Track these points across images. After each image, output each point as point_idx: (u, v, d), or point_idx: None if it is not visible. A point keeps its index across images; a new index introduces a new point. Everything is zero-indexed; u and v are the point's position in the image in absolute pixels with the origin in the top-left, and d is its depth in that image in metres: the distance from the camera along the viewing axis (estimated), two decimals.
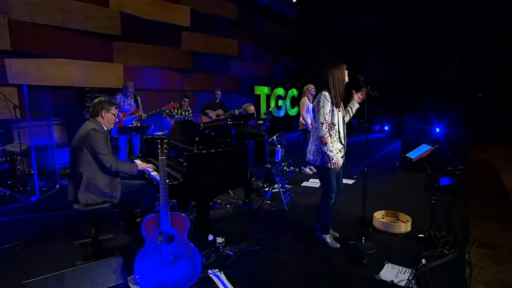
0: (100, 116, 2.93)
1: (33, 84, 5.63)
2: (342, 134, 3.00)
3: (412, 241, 3.27)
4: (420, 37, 10.93)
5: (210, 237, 3.13)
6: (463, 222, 4.29)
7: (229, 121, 3.21)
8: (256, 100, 10.16)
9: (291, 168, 5.61)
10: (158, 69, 7.86)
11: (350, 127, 11.02)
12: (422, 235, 3.32)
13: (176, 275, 2.18)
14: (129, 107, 5.22)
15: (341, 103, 3.04)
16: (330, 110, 2.91)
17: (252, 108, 5.21)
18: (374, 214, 3.66)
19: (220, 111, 6.66)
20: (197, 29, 8.62)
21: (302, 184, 5.19)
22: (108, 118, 2.96)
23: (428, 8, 10.43)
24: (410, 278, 2.59)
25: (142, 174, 3.34)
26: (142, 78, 7.53)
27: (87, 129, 2.81)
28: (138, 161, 3.47)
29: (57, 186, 4.92)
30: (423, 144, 3.18)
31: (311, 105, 5.70)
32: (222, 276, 2.63)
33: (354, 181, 5.39)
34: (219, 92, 6.92)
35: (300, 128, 5.72)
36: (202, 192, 2.65)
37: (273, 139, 4.88)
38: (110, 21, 6.76)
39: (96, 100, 2.98)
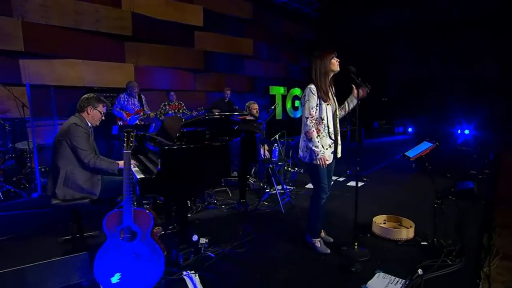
0: (85, 112, 2.92)
1: (40, 84, 5.85)
2: (332, 129, 2.82)
3: (412, 249, 3.00)
4: (453, 35, 10.30)
5: (195, 237, 3.03)
6: (481, 231, 3.93)
7: (207, 116, 3.11)
8: (271, 101, 10.02)
9: (296, 169, 5.42)
10: (170, 69, 7.94)
11: (370, 128, 10.60)
12: (425, 243, 3.04)
13: (137, 274, 2.09)
14: (133, 106, 5.27)
15: (331, 96, 2.87)
16: (317, 104, 2.74)
17: (255, 107, 5.08)
18: (374, 218, 3.40)
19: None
20: (211, 29, 8.63)
21: (306, 186, 4.98)
22: (93, 115, 2.95)
23: (461, 3, 9.83)
24: None
25: None
26: (153, 78, 7.63)
27: (68, 123, 2.81)
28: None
29: None
30: (424, 142, 2.90)
31: None
32: (196, 279, 2.51)
33: (362, 183, 5.11)
34: (228, 92, 6.87)
35: None
36: (176, 189, 2.55)
37: (275, 138, 4.72)
38: (121, 22, 6.91)
39: (85, 95, 2.99)
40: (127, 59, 7.17)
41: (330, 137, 2.81)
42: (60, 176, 2.73)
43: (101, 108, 2.96)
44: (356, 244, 2.90)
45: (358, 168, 2.91)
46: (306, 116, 2.73)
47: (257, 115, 5.08)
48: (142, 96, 5.47)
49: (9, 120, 5.34)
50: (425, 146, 2.81)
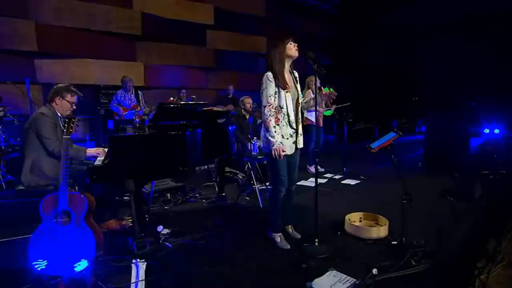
0: (54, 102, 3.03)
1: (54, 83, 6.17)
2: (292, 118, 2.70)
3: (379, 248, 2.79)
4: (482, 28, 9.47)
5: (159, 228, 3.06)
6: (477, 234, 3.61)
7: (165, 106, 3.10)
8: None
9: None
10: (180, 67, 8.09)
11: (389, 127, 10.02)
12: (395, 243, 2.81)
13: (68, 257, 2.11)
14: (129, 102, 5.42)
15: (293, 84, 2.76)
16: (275, 92, 2.64)
17: (249, 101, 5.02)
18: (348, 216, 3.21)
19: (231, 107, 6.58)
20: (223, 27, 8.68)
21: (298, 183, 4.82)
22: (62, 105, 3.05)
23: None
24: None
25: None
26: (164, 76, 7.83)
27: (36, 113, 2.94)
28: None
29: None
30: (391, 132, 2.69)
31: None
32: (142, 267, 2.51)
33: (358, 181, 4.85)
34: (231, 88, 6.91)
35: (303, 123, 5.34)
36: (124, 177, 2.57)
37: None
38: (132, 22, 7.15)
39: (55, 86, 3.10)
40: (138, 58, 7.41)
41: (290, 126, 2.70)
42: (26, 164, 2.86)
43: (69, 97, 3.05)
44: (316, 240, 2.75)
45: (316, 164, 2.75)
46: (264, 105, 2.64)
47: (250, 109, 5.02)
48: (139, 92, 5.62)
49: (23, 116, 5.72)
50: (388, 137, 2.60)
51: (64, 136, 2.26)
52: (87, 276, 2.21)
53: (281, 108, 2.66)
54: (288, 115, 2.68)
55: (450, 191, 4.15)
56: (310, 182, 4.85)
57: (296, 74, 2.88)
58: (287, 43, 2.65)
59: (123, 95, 5.40)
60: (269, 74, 2.65)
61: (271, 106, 2.63)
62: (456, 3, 9.63)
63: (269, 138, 2.59)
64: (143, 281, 2.32)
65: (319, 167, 5.48)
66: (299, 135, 2.78)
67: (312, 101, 2.86)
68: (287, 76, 2.74)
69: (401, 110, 10.62)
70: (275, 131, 2.60)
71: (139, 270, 2.47)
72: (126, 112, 5.33)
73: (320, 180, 4.95)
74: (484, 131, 8.45)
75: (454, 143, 5.04)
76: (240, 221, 3.45)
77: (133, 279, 2.35)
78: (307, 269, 2.44)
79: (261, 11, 9.50)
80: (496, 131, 8.45)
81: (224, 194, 3.97)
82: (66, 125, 2.27)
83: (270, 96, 2.63)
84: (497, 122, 8.60)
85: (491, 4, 9.08)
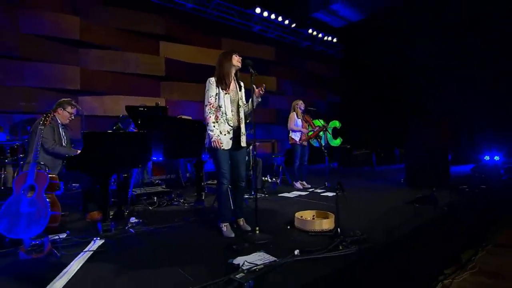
0: (57, 112, 3.45)
1: (91, 114, 6.90)
2: (229, 116, 2.84)
3: (318, 238, 2.67)
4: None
5: (132, 219, 3.22)
6: (441, 240, 3.35)
7: (130, 107, 3.35)
8: None
9: (274, 179, 5.25)
10: (198, 103, 8.60)
11: (390, 155, 9.48)
12: (331, 234, 2.68)
13: (28, 224, 2.29)
14: None
15: (235, 88, 2.95)
16: (216, 93, 2.85)
17: None
18: (298, 213, 3.12)
19: None
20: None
21: (279, 194, 4.76)
22: (62, 114, 3.46)
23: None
24: (259, 264, 2.10)
25: None
26: (183, 110, 8.32)
27: (40, 118, 3.33)
28: None
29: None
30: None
31: (299, 121, 5.38)
32: (98, 242, 2.63)
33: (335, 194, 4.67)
34: None
35: (290, 142, 5.36)
36: (92, 166, 2.78)
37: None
38: (157, 66, 7.91)
39: (60, 100, 3.54)
40: (162, 94, 8.05)
41: (228, 124, 2.83)
42: (28, 159, 3.20)
43: (69, 109, 3.46)
44: (257, 229, 2.70)
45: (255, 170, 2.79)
46: (206, 104, 2.85)
47: None
48: None
49: None
50: (317, 128, 2.60)
51: (39, 127, 2.57)
52: (45, 243, 2.36)
53: (220, 107, 2.82)
54: (225, 113, 2.83)
55: (419, 200, 3.88)
56: (293, 194, 4.77)
57: (242, 84, 3.07)
58: (233, 55, 2.89)
59: None
60: (211, 79, 2.90)
61: (211, 105, 2.82)
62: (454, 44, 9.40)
63: (209, 131, 2.76)
64: (92, 251, 2.42)
65: (305, 183, 5.40)
66: (242, 134, 2.89)
67: (250, 105, 3.00)
68: (232, 82, 2.93)
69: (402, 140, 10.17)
70: (214, 126, 2.75)
71: (94, 244, 2.58)
72: None
73: (302, 193, 4.88)
74: (485, 158, 7.85)
75: (431, 157, 4.75)
76: (207, 219, 3.46)
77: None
78: (237, 250, 2.41)
79: (271, 55, 10.01)
80: (496, 158, 7.79)
81: (203, 198, 4.03)
82: (43, 118, 2.58)
83: (210, 97, 2.83)
84: (498, 150, 7.97)
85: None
